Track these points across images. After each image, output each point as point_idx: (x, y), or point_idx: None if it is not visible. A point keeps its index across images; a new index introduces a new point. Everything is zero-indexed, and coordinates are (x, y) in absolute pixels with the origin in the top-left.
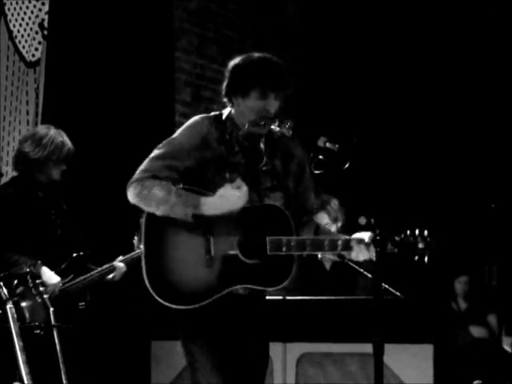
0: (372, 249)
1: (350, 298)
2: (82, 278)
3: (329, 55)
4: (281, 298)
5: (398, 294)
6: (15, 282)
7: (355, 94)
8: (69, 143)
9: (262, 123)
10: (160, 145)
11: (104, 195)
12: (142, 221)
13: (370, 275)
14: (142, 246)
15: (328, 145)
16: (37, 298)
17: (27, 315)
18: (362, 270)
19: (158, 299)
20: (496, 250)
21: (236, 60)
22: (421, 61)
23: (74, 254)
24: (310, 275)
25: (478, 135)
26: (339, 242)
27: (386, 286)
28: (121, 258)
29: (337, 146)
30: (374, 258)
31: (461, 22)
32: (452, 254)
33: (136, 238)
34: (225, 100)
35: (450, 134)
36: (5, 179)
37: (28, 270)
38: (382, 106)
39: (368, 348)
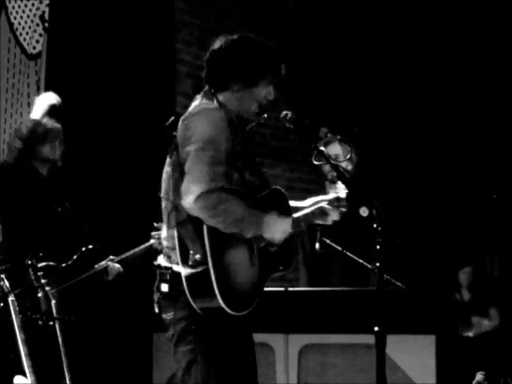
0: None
1: (352, 288)
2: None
3: (329, 46)
4: (283, 289)
5: (400, 284)
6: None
7: (356, 84)
8: (48, 122)
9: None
10: (199, 146)
11: (106, 186)
12: (204, 233)
13: (369, 266)
14: (196, 257)
15: (329, 136)
16: (39, 290)
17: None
18: (361, 261)
19: (229, 311)
20: (497, 240)
21: (224, 43)
22: (422, 52)
23: (84, 248)
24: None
25: (479, 126)
26: (317, 212)
27: (388, 277)
28: (112, 257)
29: (338, 137)
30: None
31: (461, 11)
32: (454, 244)
33: (159, 233)
34: (209, 88)
35: (451, 124)
36: None
37: (30, 262)
38: (383, 97)
39: (370, 339)
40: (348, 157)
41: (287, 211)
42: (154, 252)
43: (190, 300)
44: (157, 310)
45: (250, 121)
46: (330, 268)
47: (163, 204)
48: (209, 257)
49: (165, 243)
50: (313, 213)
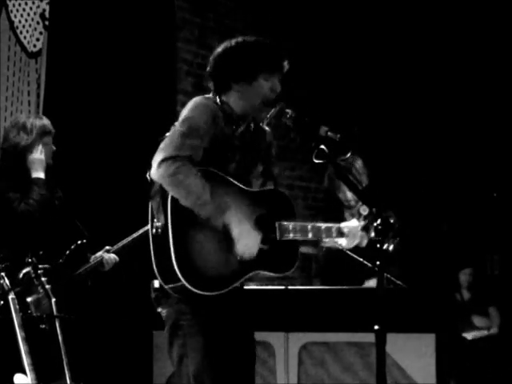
0: (363, 235)
1: (353, 287)
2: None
3: (330, 44)
4: (283, 287)
5: (400, 283)
6: (20, 274)
7: (357, 83)
8: (49, 124)
9: (271, 105)
10: (177, 124)
11: (105, 183)
12: (167, 201)
13: (370, 264)
14: (158, 224)
15: (330, 134)
16: (39, 288)
17: (33, 309)
18: (361, 260)
19: (186, 284)
20: (498, 239)
21: (225, 47)
22: (422, 52)
23: (79, 242)
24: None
25: (480, 125)
26: (333, 229)
27: (388, 276)
28: (108, 248)
29: (338, 135)
30: (364, 245)
31: (461, 11)
32: (455, 244)
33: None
34: (212, 86)
35: (452, 124)
36: None
37: (30, 260)
38: (384, 96)
39: (370, 337)
40: (348, 156)
41: (288, 214)
42: None
43: (160, 280)
44: (157, 310)
45: (258, 116)
46: (342, 279)
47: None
48: (169, 223)
49: None
50: (328, 228)
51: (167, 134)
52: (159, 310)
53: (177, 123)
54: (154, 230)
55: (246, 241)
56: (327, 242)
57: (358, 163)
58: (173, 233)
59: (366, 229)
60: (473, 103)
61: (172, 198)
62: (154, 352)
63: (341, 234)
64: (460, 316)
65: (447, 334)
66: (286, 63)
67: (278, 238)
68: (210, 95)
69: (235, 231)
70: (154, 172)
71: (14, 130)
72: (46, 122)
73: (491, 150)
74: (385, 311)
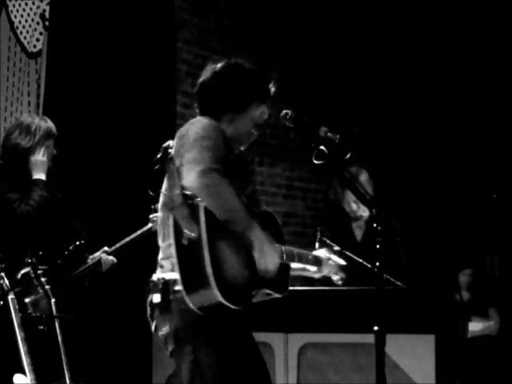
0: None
1: (352, 288)
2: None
3: (330, 45)
4: None
5: (400, 283)
6: (19, 275)
7: (356, 83)
8: (53, 127)
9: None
10: (196, 137)
11: (104, 184)
12: (199, 212)
13: (369, 265)
14: (190, 235)
15: (329, 135)
16: (38, 288)
17: (31, 309)
18: (361, 260)
19: (220, 297)
20: (498, 240)
21: (210, 75)
22: (422, 52)
23: (77, 243)
24: None
25: (479, 126)
26: (310, 257)
27: (388, 276)
28: (106, 249)
29: (338, 136)
30: (339, 282)
31: (461, 11)
32: (455, 244)
33: (155, 216)
34: (198, 110)
35: (451, 124)
36: None
37: (29, 260)
38: (383, 96)
39: (370, 338)
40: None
41: (279, 237)
42: (153, 236)
43: (187, 299)
44: (153, 329)
45: (246, 141)
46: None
47: (159, 219)
48: (203, 235)
49: (159, 256)
50: (311, 257)
51: (171, 143)
52: (158, 331)
53: (193, 138)
54: (183, 241)
55: (267, 258)
56: (296, 268)
57: (363, 176)
58: (209, 244)
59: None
60: (472, 105)
61: (206, 209)
62: (154, 353)
63: (318, 262)
64: (460, 317)
65: (447, 334)
66: (273, 88)
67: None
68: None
69: (257, 249)
70: (193, 183)
71: (16, 131)
72: (50, 124)
73: (491, 152)
74: (384, 312)
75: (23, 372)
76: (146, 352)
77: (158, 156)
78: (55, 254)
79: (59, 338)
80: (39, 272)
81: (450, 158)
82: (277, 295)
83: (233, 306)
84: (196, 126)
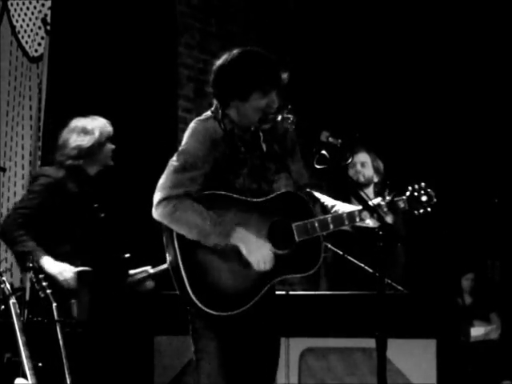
0: (386, 212)
1: (353, 293)
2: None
3: (330, 49)
4: (284, 292)
5: (401, 288)
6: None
7: (357, 88)
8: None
9: (270, 118)
10: (174, 157)
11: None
12: (173, 237)
13: (371, 270)
14: (169, 258)
15: (331, 139)
16: (40, 293)
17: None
18: (363, 265)
19: (204, 309)
20: (499, 245)
21: (222, 62)
22: (423, 55)
23: (127, 255)
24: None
25: (480, 131)
26: (356, 213)
27: (389, 281)
28: (151, 271)
29: (339, 140)
30: (391, 221)
31: (461, 11)
32: (457, 249)
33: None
34: (215, 102)
35: (452, 130)
36: (7, 174)
37: (31, 265)
38: (385, 101)
39: (371, 343)
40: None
41: (306, 213)
42: None
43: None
44: None
45: (259, 127)
46: (350, 280)
47: None
48: (179, 257)
49: None
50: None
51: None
52: None
53: (176, 153)
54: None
55: (256, 254)
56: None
57: (370, 160)
58: (183, 264)
59: (391, 204)
60: (473, 109)
61: (176, 233)
62: (155, 357)
63: (364, 216)
64: (461, 321)
65: (448, 339)
66: (284, 76)
67: (296, 239)
68: (209, 112)
69: (244, 250)
70: (154, 213)
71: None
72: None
73: (492, 156)
74: (385, 317)
75: (24, 376)
76: (146, 357)
77: None
78: (94, 262)
79: (60, 342)
80: (40, 276)
81: (451, 163)
82: (302, 275)
83: (224, 314)
84: (186, 133)
